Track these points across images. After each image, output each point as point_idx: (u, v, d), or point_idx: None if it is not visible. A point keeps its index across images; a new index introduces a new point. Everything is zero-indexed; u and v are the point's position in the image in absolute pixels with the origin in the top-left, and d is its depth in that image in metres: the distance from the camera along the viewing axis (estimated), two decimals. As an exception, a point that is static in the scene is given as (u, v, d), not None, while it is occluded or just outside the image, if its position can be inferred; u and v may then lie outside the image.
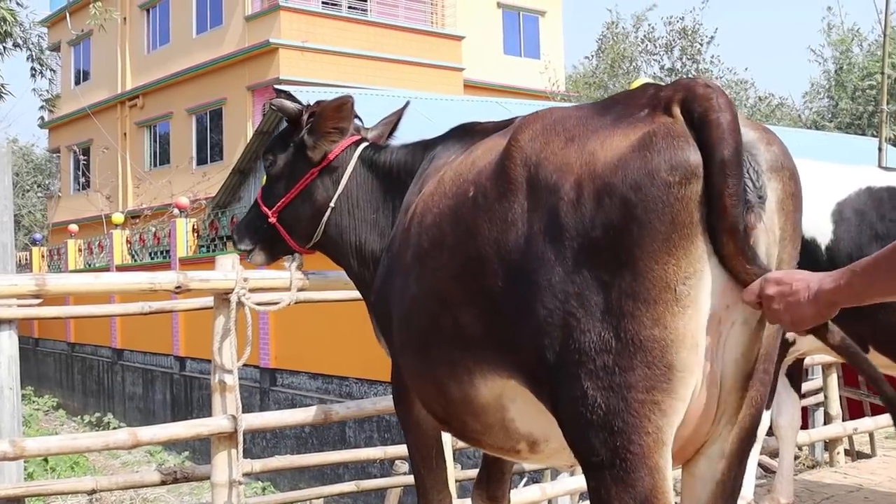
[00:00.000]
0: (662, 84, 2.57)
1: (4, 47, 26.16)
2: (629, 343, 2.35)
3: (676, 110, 2.39)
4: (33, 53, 26.82)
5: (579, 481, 5.73)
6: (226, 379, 4.16)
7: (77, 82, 39.50)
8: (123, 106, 36.22)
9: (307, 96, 22.03)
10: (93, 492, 5.28)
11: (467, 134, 3.52)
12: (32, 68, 27.95)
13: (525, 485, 7.49)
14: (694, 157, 2.32)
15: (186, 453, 20.83)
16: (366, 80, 29.26)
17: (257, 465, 5.68)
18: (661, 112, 2.41)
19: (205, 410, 21.21)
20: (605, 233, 2.36)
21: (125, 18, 35.85)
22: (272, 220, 4.13)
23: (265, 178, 4.23)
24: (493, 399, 2.86)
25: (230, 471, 4.14)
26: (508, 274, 2.58)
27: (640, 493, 2.37)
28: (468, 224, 2.73)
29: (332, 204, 3.99)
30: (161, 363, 24.21)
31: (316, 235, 4.08)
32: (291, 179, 4.07)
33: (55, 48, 38.43)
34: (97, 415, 25.24)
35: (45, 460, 17.51)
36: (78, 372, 28.39)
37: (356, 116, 4.09)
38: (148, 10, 35.76)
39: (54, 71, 24.74)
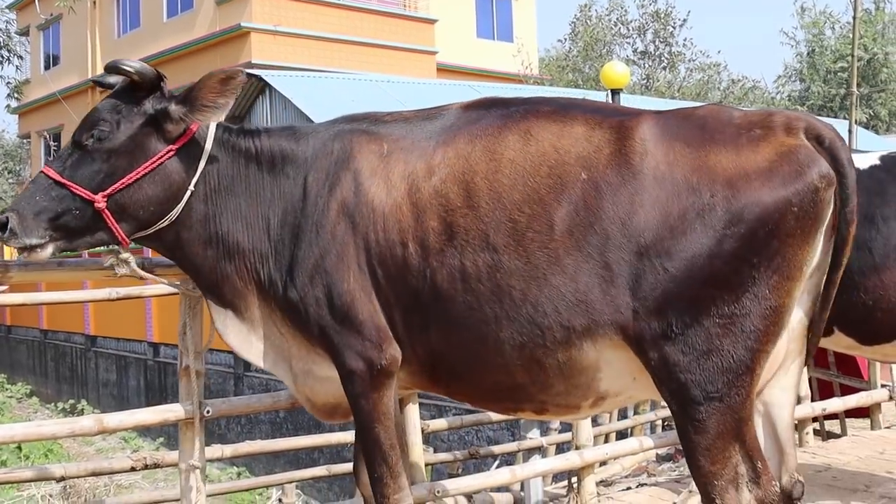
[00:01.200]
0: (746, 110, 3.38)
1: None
2: (767, 308, 3.11)
3: (802, 135, 3.19)
4: (1, 40, 26.49)
5: (550, 463, 5.75)
6: (192, 364, 4.12)
7: (47, 67, 39.03)
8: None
9: (287, 81, 21.79)
10: (62, 478, 5.27)
11: (377, 120, 3.67)
12: (0, 55, 27.59)
13: (497, 467, 7.52)
14: (831, 171, 3.15)
15: (161, 439, 20.78)
16: (339, 63, 29.11)
17: (227, 450, 5.70)
18: (785, 134, 3.19)
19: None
20: (760, 224, 3.07)
21: (95, 2, 35.43)
22: (100, 205, 3.44)
23: (76, 152, 3.50)
24: (594, 361, 3.30)
25: (196, 456, 4.10)
26: (641, 249, 3.13)
27: (742, 419, 3.18)
28: (589, 205, 3.21)
29: (190, 187, 3.55)
30: (135, 349, 24.10)
31: (161, 223, 3.56)
32: (136, 156, 3.48)
33: (24, 33, 37.99)
34: (71, 402, 25.09)
35: (19, 448, 17.41)
36: (51, 359, 28.24)
37: None
38: (118, -6, 35.37)
39: (21, 57, 24.38)
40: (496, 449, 7.59)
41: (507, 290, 3.28)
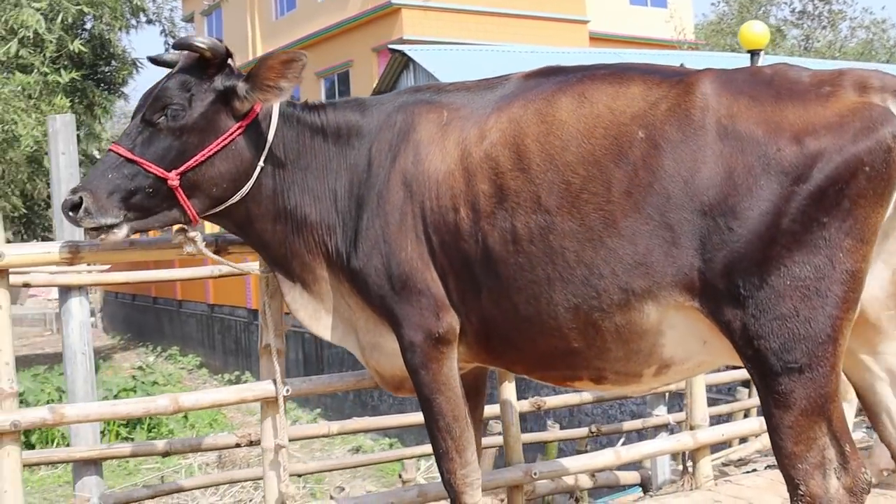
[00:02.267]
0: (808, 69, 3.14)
1: (138, 22, 26.68)
2: (843, 273, 2.88)
3: (876, 93, 2.94)
4: (165, 28, 27.37)
5: (659, 445, 5.47)
6: (272, 342, 4.05)
7: (211, 51, 40.25)
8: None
9: (431, 55, 21.86)
10: (166, 454, 5.32)
11: (440, 91, 3.66)
12: (165, 42, 28.54)
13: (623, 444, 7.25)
14: None
15: (319, 410, 21.24)
16: (489, 36, 28.97)
17: (335, 426, 5.66)
18: (856, 92, 2.96)
19: (334, 367, 21.64)
20: (830, 182, 2.86)
21: (253, -14, 36.41)
22: (173, 182, 3.39)
23: (146, 129, 3.42)
24: (656, 324, 3.15)
25: (279, 435, 4.04)
26: (704, 207, 2.97)
27: (828, 395, 2.95)
28: (648, 164, 3.05)
29: (261, 163, 3.51)
30: (294, 323, 24.64)
31: (233, 199, 3.52)
32: (207, 133, 3.43)
33: (189, 19, 39.34)
34: (236, 373, 25.90)
35: (185, 417, 18.09)
36: (217, 332, 29.20)
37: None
38: (274, -23, 36.17)
39: (183, 41, 25.14)
40: (626, 425, 7.35)
41: (561, 252, 3.18)
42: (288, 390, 4.06)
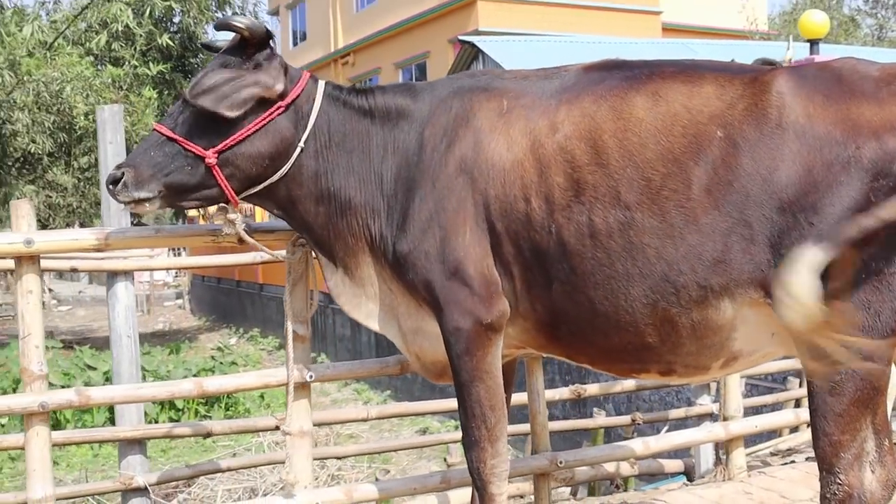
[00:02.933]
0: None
1: (224, 15, 27.01)
2: None
3: None
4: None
5: (691, 435, 5.32)
6: (297, 329, 4.03)
7: (295, 43, 40.72)
8: (336, 63, 37.07)
9: (500, 46, 21.75)
10: (208, 434, 5.36)
11: (495, 77, 3.58)
12: (250, 34, 28.71)
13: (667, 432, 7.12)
14: None
15: (388, 392, 21.33)
16: (563, 27, 28.70)
17: (373, 411, 5.63)
18: None
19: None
20: None
21: (335, -21, 36.61)
22: (211, 160, 3.35)
23: (187, 109, 3.39)
24: (730, 320, 3.13)
25: (301, 421, 4.02)
26: (783, 205, 2.95)
27: (879, 389, 2.97)
28: (727, 163, 3.03)
29: (300, 144, 3.45)
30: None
31: (272, 179, 3.46)
32: (247, 113, 3.36)
33: (275, 13, 39.76)
34: (312, 355, 26.09)
35: (262, 396, 18.32)
36: (296, 314, 29.48)
37: None
38: (355, -30, 36.31)
39: (268, 34, 25.45)
40: (670, 414, 7.21)
41: (641, 248, 3.14)
42: (311, 376, 4.04)
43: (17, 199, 6.23)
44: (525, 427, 6.07)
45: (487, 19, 29.00)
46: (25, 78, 19.49)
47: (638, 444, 4.99)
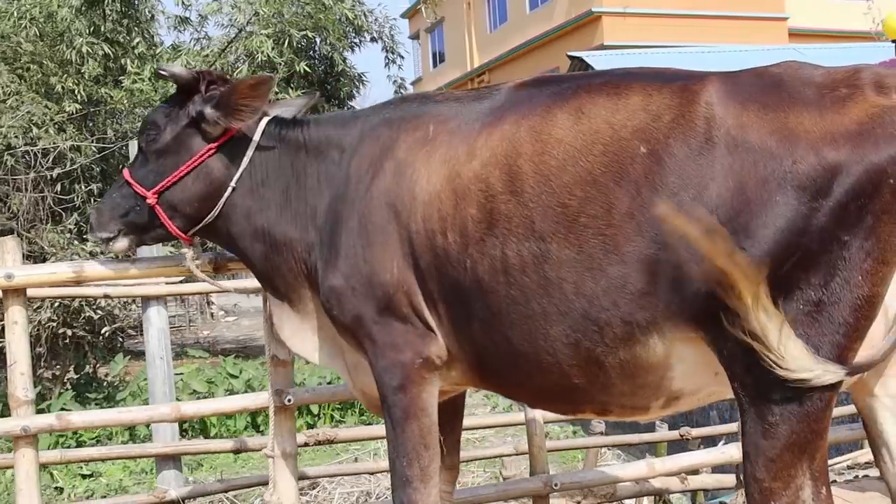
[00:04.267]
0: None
1: (361, 41, 27.46)
2: (858, 298, 2.42)
3: (894, 94, 2.46)
4: (386, 44, 28.12)
5: (701, 457, 4.96)
6: (278, 354, 3.95)
7: (434, 65, 41.06)
8: (473, 82, 37.12)
9: (607, 60, 21.38)
10: (237, 451, 5.35)
11: (427, 101, 3.29)
12: (386, 57, 29.39)
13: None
14: None
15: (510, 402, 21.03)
16: (687, 38, 27.90)
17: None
18: (875, 93, 2.48)
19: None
20: (851, 197, 2.40)
21: (469, 3, 36.70)
22: (151, 200, 3.40)
23: (139, 154, 3.49)
24: (663, 358, 2.73)
25: (281, 442, 3.94)
26: None
27: (818, 432, 2.52)
28: (651, 182, 2.61)
29: (232, 184, 3.38)
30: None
31: (208, 218, 3.43)
32: (181, 155, 3.39)
33: (415, 37, 40.21)
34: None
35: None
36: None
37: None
38: (488, -7, 36.34)
39: (402, 57, 25.85)
40: (721, 429, 6.80)
41: (557, 283, 2.75)
42: (289, 399, 3.95)
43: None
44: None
45: (613, 34, 28.55)
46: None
47: (642, 467, 4.68)
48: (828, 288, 2.43)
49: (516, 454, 6.11)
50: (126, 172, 3.48)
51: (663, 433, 7.01)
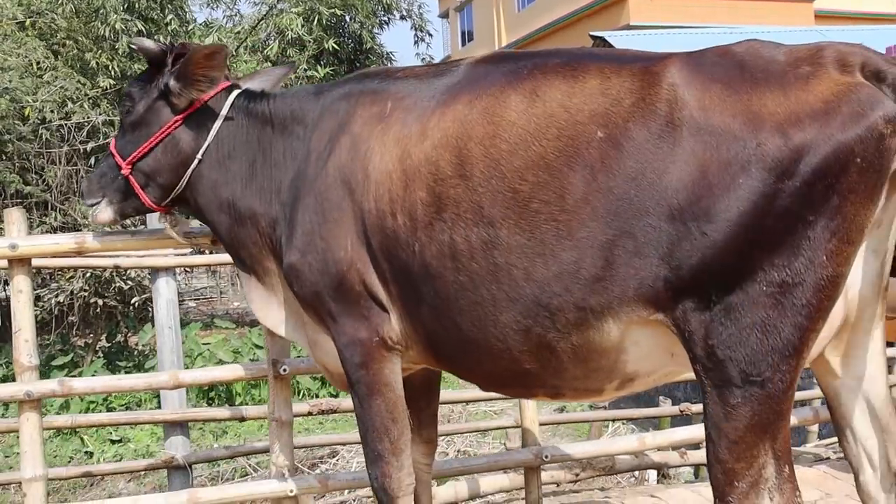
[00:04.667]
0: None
1: (391, 19, 27.38)
2: (822, 278, 2.37)
3: (858, 72, 2.39)
4: (415, 23, 28.07)
5: (687, 433, 4.94)
6: (272, 325, 3.98)
7: (463, 43, 40.86)
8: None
9: (629, 41, 21.20)
10: (242, 419, 5.41)
11: (388, 76, 3.20)
12: (415, 35, 29.32)
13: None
14: None
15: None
16: (713, 19, 27.60)
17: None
18: (839, 71, 2.41)
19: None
20: (818, 177, 2.33)
21: (498, -19, 36.54)
22: (125, 171, 3.42)
23: (121, 125, 3.52)
24: (617, 342, 2.66)
25: (278, 409, 3.99)
26: (673, 212, 2.45)
27: (781, 413, 2.47)
28: (608, 167, 2.53)
29: (198, 155, 3.37)
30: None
31: (177, 189, 3.43)
32: (151, 127, 3.41)
33: (444, 15, 40.01)
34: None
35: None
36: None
37: (228, 68, 3.51)
38: (517, -27, 36.08)
39: (431, 35, 25.82)
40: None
41: (507, 269, 2.68)
42: (285, 369, 4.00)
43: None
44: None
45: (639, 14, 28.27)
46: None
47: (633, 441, 4.68)
48: (791, 269, 2.38)
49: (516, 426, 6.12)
50: (112, 143, 3.51)
51: (664, 408, 7.00)
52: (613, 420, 7.17)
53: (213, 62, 3.31)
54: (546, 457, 4.41)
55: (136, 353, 14.71)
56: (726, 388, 2.47)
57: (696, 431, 4.88)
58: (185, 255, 5.23)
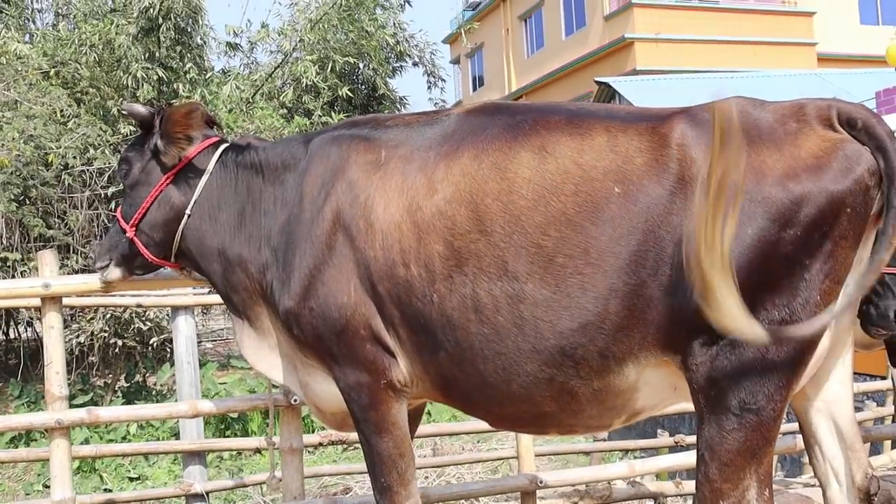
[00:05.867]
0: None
1: (403, 66, 27.73)
2: (815, 315, 2.55)
3: (837, 123, 2.64)
4: (427, 68, 28.42)
5: (677, 460, 5.14)
6: (285, 359, 4.23)
7: (475, 88, 41.35)
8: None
9: (633, 85, 21.53)
10: (257, 450, 5.65)
11: (377, 125, 3.27)
12: (428, 81, 29.67)
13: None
14: (876, 164, 2.59)
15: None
16: (717, 62, 27.94)
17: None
18: (821, 125, 2.65)
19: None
20: (815, 226, 2.55)
21: (507, 29, 37.02)
22: (130, 234, 3.54)
23: (123, 191, 3.65)
24: (633, 383, 2.82)
25: (288, 438, 4.23)
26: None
27: (768, 439, 2.66)
28: (629, 221, 2.68)
29: (187, 210, 3.48)
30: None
31: (174, 244, 3.54)
32: (147, 187, 3.52)
33: (456, 61, 40.57)
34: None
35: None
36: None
37: (215, 124, 3.68)
38: (525, 20, 36.53)
39: (444, 80, 26.16)
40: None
41: (533, 322, 2.75)
42: (296, 400, 4.23)
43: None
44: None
45: (645, 59, 28.63)
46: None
47: (623, 467, 4.89)
48: (790, 308, 2.58)
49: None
50: (119, 210, 3.65)
51: (661, 440, 7.19)
52: (611, 451, 7.35)
53: (189, 120, 3.46)
54: (541, 482, 4.62)
55: (154, 392, 14.93)
56: (724, 414, 2.64)
57: (685, 458, 5.08)
58: (203, 293, 5.50)
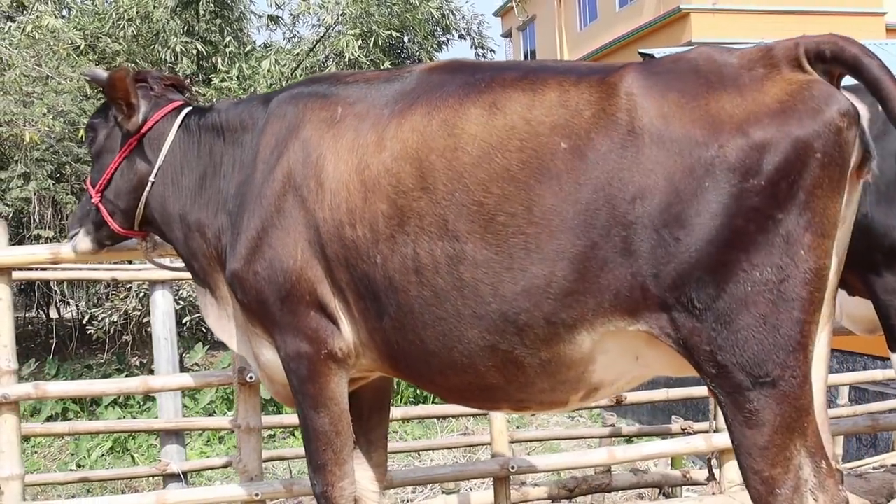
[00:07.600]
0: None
1: (449, 39, 27.62)
2: (806, 272, 2.41)
3: (806, 62, 2.47)
4: (475, 41, 28.32)
5: (662, 447, 4.95)
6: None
7: (527, 62, 40.97)
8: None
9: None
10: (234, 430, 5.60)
11: (337, 81, 3.18)
12: (476, 54, 29.59)
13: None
14: (852, 107, 2.44)
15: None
16: (780, 34, 26.81)
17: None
18: (790, 68, 2.48)
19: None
20: (781, 174, 2.39)
21: (560, 1, 36.51)
22: (95, 199, 3.51)
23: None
24: (588, 353, 2.68)
25: (244, 417, 4.16)
26: (644, 220, 2.48)
27: (802, 408, 2.46)
28: (574, 178, 2.55)
29: (151, 177, 3.43)
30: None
31: (138, 212, 3.50)
32: (111, 154, 3.51)
33: (507, 35, 40.23)
34: None
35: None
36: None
37: (175, 86, 3.62)
38: (578, -9, 36.10)
39: (493, 52, 26.02)
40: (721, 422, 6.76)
41: (473, 284, 2.65)
42: (251, 377, 4.16)
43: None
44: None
45: (701, 31, 27.97)
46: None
47: (602, 454, 4.71)
48: (773, 266, 2.41)
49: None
50: (88, 178, 3.62)
51: (666, 426, 7.01)
52: (616, 436, 7.18)
53: (124, 86, 3.42)
54: (512, 467, 4.47)
55: (189, 371, 15.09)
56: (738, 393, 2.46)
57: (667, 446, 4.86)
58: (182, 268, 5.44)
